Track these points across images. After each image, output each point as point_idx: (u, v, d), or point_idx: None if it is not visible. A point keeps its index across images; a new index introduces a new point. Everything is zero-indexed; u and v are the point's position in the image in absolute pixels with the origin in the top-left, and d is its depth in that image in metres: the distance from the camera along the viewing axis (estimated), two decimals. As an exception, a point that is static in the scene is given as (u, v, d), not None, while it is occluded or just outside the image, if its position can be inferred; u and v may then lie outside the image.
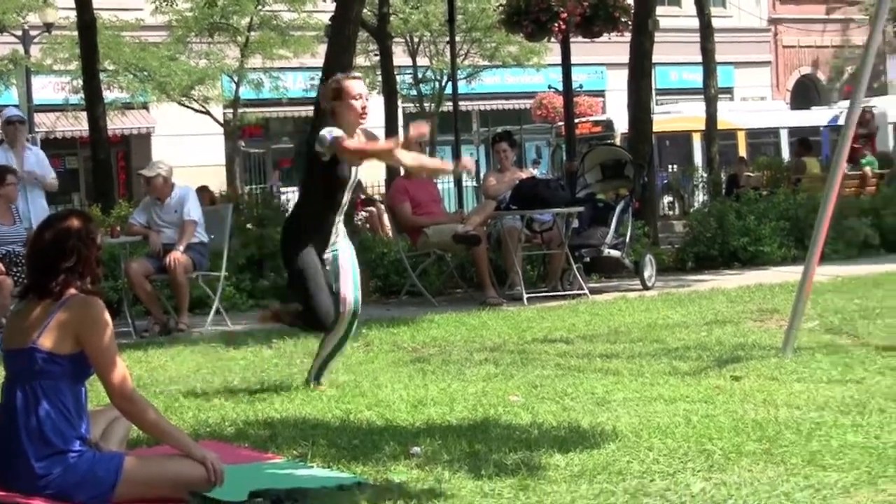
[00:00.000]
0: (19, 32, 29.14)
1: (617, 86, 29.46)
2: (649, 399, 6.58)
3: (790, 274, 11.84)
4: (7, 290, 10.06)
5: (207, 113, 30.87)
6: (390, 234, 14.49)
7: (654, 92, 20.52)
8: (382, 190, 19.86)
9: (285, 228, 7.33)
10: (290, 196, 21.81)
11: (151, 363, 8.81)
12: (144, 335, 10.68)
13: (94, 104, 17.31)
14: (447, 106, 28.03)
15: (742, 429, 5.71)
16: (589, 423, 6.02)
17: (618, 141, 26.80)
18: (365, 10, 17.49)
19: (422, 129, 7.42)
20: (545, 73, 32.15)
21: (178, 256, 10.77)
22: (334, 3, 14.53)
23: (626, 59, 16.97)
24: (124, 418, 4.79)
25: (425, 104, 33.28)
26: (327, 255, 7.11)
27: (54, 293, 4.62)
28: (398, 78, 24.85)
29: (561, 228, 12.43)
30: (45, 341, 4.57)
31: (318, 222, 7.06)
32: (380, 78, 25.16)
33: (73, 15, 18.59)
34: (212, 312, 11.08)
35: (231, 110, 31.89)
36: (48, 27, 28.52)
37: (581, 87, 29.63)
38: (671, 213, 26.98)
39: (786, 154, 29.74)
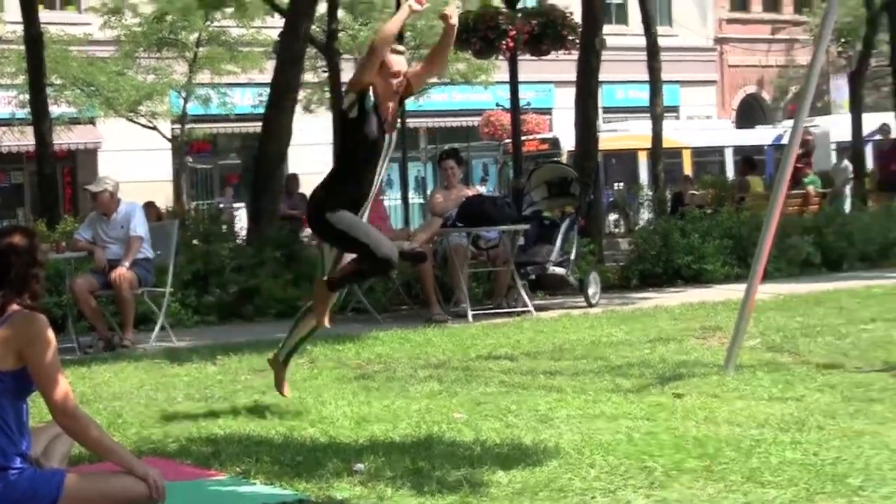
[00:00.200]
0: (-35, 46, 28.90)
1: (564, 104, 29.67)
2: (592, 416, 6.63)
3: (733, 292, 11.97)
4: None
5: (155, 128, 30.76)
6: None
7: (600, 110, 20.64)
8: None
9: (315, 202, 6.89)
10: (243, 212, 21.72)
11: (95, 379, 8.77)
12: (88, 351, 10.64)
13: (40, 119, 17.20)
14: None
15: (683, 446, 5.77)
16: (531, 441, 6.06)
17: (564, 159, 26.91)
18: (313, 27, 17.52)
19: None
20: (493, 90, 32.24)
21: (123, 272, 10.75)
22: (283, 20, 14.54)
23: (573, 77, 17.09)
24: (66, 435, 4.77)
25: (373, 120, 33.34)
26: None
27: (-4, 309, 4.60)
28: (346, 94, 24.95)
29: (507, 246, 12.50)
30: (-13, 358, 4.55)
31: (349, 198, 6.78)
32: (327, 94, 25.18)
33: (20, 29, 18.46)
34: (156, 328, 11.07)
35: (179, 126, 31.80)
36: (-5, 41, 28.30)
37: (529, 104, 29.77)
38: (617, 230, 27.12)
39: (730, 172, 29.98)
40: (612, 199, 28.81)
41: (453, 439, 6.18)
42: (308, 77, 25.45)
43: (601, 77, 17.22)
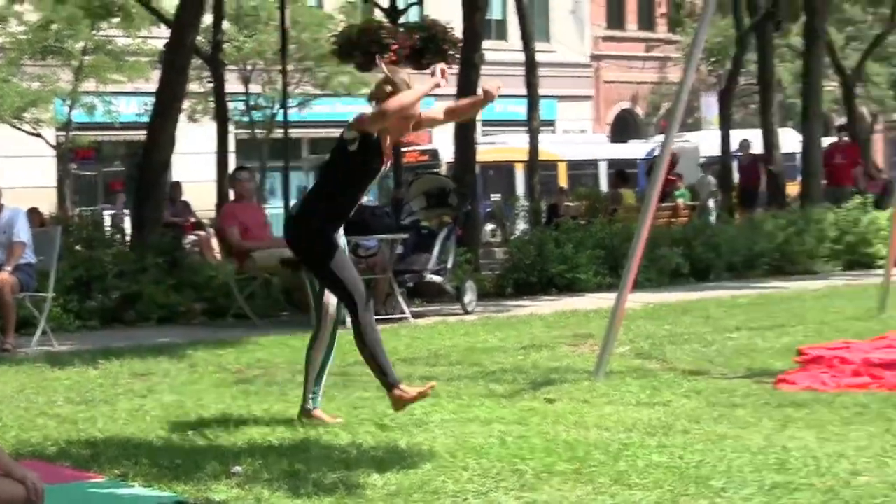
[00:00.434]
0: None
1: (444, 116, 29.81)
2: (466, 420, 6.72)
3: (604, 300, 12.15)
4: None
5: (39, 135, 30.42)
6: (218, 257, 14.52)
7: (479, 123, 20.90)
8: (212, 214, 19.87)
9: (307, 229, 6.74)
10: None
11: (-27, 383, 8.67)
12: (-31, 355, 10.50)
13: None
14: (278, 133, 28.05)
15: (554, 449, 5.86)
16: (406, 444, 6.14)
17: (443, 170, 27.16)
18: (199, 38, 17.50)
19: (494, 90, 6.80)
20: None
21: (5, 277, 10.71)
22: (169, 31, 14.53)
23: (453, 90, 17.26)
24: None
25: (257, 131, 33.37)
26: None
27: None
28: (231, 104, 24.86)
29: (386, 254, 12.62)
30: None
31: (335, 215, 6.72)
32: (212, 104, 25.10)
33: None
34: (38, 333, 10.97)
35: (63, 133, 31.47)
36: None
37: (409, 116, 29.84)
38: (493, 240, 27.37)
39: (604, 185, 30.47)
40: (489, 210, 29.05)
41: (329, 442, 6.23)
42: (193, 87, 25.37)
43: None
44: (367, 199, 28.69)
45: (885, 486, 5.12)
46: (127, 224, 19.90)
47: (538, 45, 24.36)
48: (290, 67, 24.27)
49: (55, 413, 7.30)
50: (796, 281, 15.54)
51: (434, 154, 30.97)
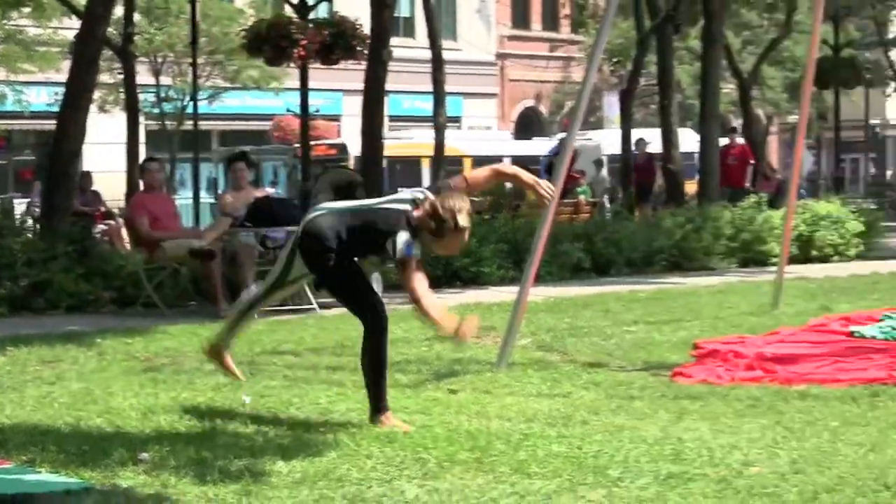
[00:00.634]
0: None
1: (352, 111, 29.88)
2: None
3: (507, 294, 12.28)
4: None
5: (-52, 124, 30.15)
6: (128, 247, 14.50)
7: (386, 118, 20.98)
8: (121, 204, 19.81)
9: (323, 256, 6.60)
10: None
11: None
12: None
13: None
14: (188, 125, 27.95)
15: (456, 439, 5.96)
16: (312, 433, 6.21)
17: (351, 164, 27.22)
18: (110, 29, 17.41)
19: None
20: (284, 96, 32.23)
21: None
22: (80, 21, 14.47)
23: (361, 86, 17.39)
24: None
25: (167, 122, 33.19)
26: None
27: None
28: (141, 96, 24.75)
29: (293, 246, 12.67)
30: None
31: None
32: (122, 95, 24.97)
33: None
34: (-55, 320, 10.87)
35: (-28, 122, 31.20)
36: None
37: (318, 111, 29.91)
38: (400, 234, 27.44)
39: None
40: (395, 205, 29.09)
41: (236, 430, 6.28)
42: (104, 78, 25.25)
43: (388, 87, 17.59)
44: (274, 191, 28.60)
45: (776, 477, 5.26)
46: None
47: (445, 43, 24.53)
48: (200, 60, 24.24)
49: (-38, 400, 7.25)
50: (693, 277, 15.70)
51: (342, 148, 30.97)
